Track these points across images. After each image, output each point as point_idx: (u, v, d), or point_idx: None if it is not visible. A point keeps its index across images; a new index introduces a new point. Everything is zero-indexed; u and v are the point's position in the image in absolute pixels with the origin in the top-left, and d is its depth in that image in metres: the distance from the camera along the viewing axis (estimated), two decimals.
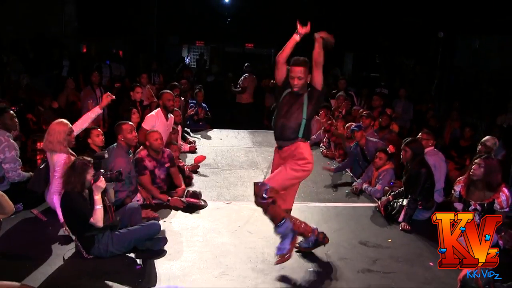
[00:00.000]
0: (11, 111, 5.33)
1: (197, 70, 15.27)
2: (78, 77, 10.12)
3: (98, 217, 3.97)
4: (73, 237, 4.16)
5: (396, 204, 5.35)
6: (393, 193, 5.57)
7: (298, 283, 3.85)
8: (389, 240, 4.76)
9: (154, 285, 3.71)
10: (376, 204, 5.65)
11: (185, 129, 8.76)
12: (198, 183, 6.31)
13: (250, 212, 5.28)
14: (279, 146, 4.17)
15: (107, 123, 8.13)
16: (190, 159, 7.16)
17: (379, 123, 7.66)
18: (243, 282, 3.81)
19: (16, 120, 5.38)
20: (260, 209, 5.34)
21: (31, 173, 5.32)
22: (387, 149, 6.25)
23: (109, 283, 3.73)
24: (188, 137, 8.61)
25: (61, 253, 4.14)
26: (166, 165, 5.70)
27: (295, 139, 4.04)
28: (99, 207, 3.99)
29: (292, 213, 5.31)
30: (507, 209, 4.60)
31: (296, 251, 4.29)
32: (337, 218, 5.35)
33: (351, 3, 15.63)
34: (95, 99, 7.99)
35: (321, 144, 8.51)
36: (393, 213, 5.31)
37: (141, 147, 6.12)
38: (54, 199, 4.47)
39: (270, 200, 3.94)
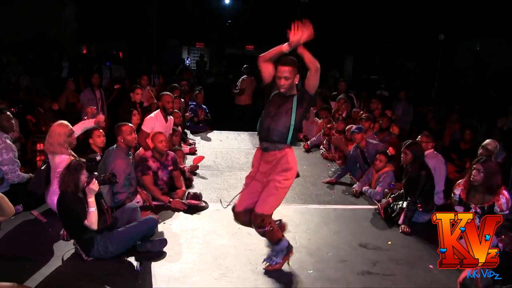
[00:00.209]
0: (8, 113, 5.30)
1: (197, 72, 15.28)
2: (78, 78, 10.12)
3: (92, 220, 3.96)
4: (74, 245, 4.16)
5: (396, 206, 5.35)
6: (393, 195, 5.57)
7: (298, 285, 3.84)
8: (389, 243, 4.75)
9: (154, 287, 3.71)
10: (376, 206, 5.65)
11: (185, 130, 8.76)
12: (198, 185, 6.31)
13: None
14: (264, 148, 3.92)
15: (107, 124, 8.12)
16: (189, 161, 7.16)
17: (379, 125, 7.66)
18: (242, 284, 3.81)
19: (13, 121, 5.36)
20: None
21: (30, 174, 5.32)
22: (387, 151, 6.25)
23: (109, 284, 3.73)
24: (188, 138, 8.61)
25: (61, 255, 4.13)
26: (169, 168, 5.71)
27: (283, 144, 3.84)
28: (92, 209, 3.98)
29: (293, 216, 5.34)
30: (507, 212, 4.60)
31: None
32: (337, 220, 5.34)
33: (351, 5, 15.64)
34: (94, 101, 8.00)
35: (321, 146, 8.51)
36: (393, 215, 5.31)
37: (141, 148, 6.13)
38: (55, 200, 4.46)
39: (269, 227, 3.84)
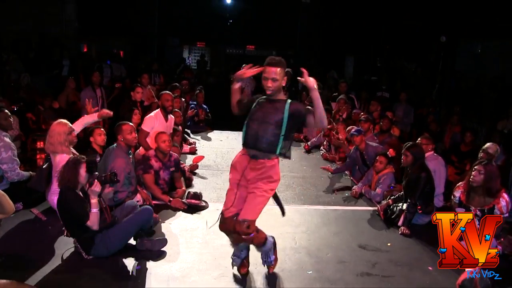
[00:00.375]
0: (6, 111, 5.28)
1: (198, 71, 15.28)
2: (79, 77, 10.12)
3: (94, 220, 3.96)
4: (74, 244, 4.16)
5: (396, 208, 5.35)
6: (393, 197, 5.57)
7: (297, 286, 3.84)
8: (389, 244, 4.75)
9: (153, 286, 3.71)
10: (376, 208, 5.64)
11: (186, 130, 8.76)
12: (198, 185, 6.30)
13: None
14: (252, 155, 3.66)
15: (107, 123, 8.12)
16: (189, 160, 7.16)
17: (379, 126, 7.66)
18: (242, 284, 3.81)
19: (12, 119, 5.32)
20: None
21: (30, 172, 5.32)
22: (388, 153, 6.25)
23: (109, 283, 3.73)
24: (188, 138, 8.60)
25: (61, 253, 4.12)
26: (171, 169, 5.71)
27: (273, 154, 3.64)
28: (95, 210, 3.98)
29: (292, 216, 5.34)
30: (507, 215, 4.60)
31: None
32: (336, 221, 5.34)
33: (352, 6, 15.65)
34: (95, 99, 7.99)
35: (321, 147, 8.50)
36: (392, 217, 5.30)
37: (141, 147, 6.13)
38: (54, 200, 4.46)
39: (254, 234, 3.64)
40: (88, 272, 3.84)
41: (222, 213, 3.74)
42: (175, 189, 5.72)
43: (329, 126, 8.26)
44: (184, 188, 5.78)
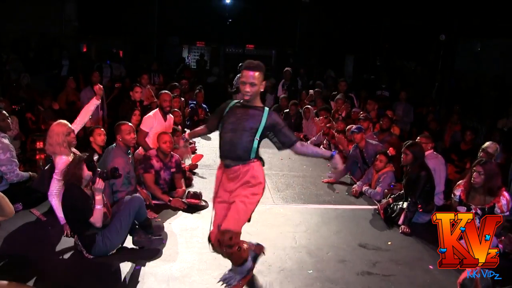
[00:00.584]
0: (4, 112, 5.25)
1: (198, 71, 15.28)
2: (78, 77, 10.11)
3: (97, 217, 3.98)
4: (74, 237, 4.16)
5: (396, 207, 5.34)
6: (393, 195, 5.57)
7: (297, 285, 3.83)
8: (389, 243, 4.75)
9: (153, 286, 3.70)
10: (376, 207, 5.64)
11: (185, 129, 8.75)
12: (197, 184, 6.30)
13: None
14: (226, 165, 3.53)
15: (107, 123, 8.11)
16: (188, 159, 7.14)
17: (380, 125, 7.65)
18: None
19: (10, 120, 5.29)
20: (260, 210, 5.38)
21: (30, 172, 5.31)
22: (388, 151, 6.24)
23: (109, 283, 3.73)
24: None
25: (61, 253, 4.13)
26: (172, 170, 5.70)
27: (247, 160, 3.48)
28: (99, 207, 4.00)
29: (292, 216, 5.34)
30: (508, 213, 4.60)
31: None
32: (336, 220, 5.34)
33: (352, 5, 15.64)
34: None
35: (321, 146, 8.49)
36: (393, 215, 5.30)
37: (140, 147, 6.12)
38: (52, 201, 4.44)
39: (237, 248, 3.45)
40: (88, 272, 3.85)
41: (209, 236, 3.58)
42: (175, 189, 5.72)
43: (328, 125, 8.25)
44: (184, 188, 5.78)
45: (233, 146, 3.46)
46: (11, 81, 9.48)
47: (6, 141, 5.06)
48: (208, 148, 8.25)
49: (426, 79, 12.49)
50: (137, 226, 4.33)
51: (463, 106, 9.72)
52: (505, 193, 4.61)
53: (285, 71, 11.09)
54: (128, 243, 4.36)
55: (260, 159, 3.57)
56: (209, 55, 19.17)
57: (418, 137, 6.05)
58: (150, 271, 3.91)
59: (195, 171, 6.79)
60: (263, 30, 17.27)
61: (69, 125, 4.77)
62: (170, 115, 6.61)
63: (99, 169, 4.13)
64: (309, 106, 9.49)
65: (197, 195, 5.53)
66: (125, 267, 3.97)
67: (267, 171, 6.95)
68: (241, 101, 3.55)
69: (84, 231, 4.02)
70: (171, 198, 5.41)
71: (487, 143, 5.76)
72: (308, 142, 8.65)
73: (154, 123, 6.21)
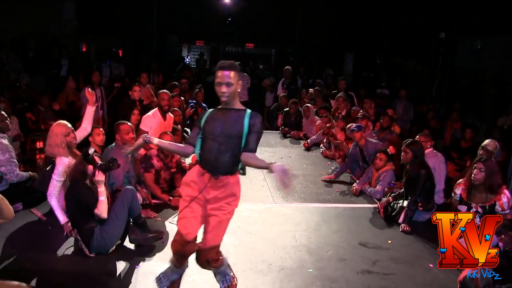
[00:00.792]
0: (3, 112, 5.25)
1: (197, 70, 15.26)
2: (78, 76, 10.10)
3: (102, 209, 4.06)
4: (75, 236, 4.18)
5: (396, 205, 5.34)
6: (393, 194, 5.56)
7: (298, 284, 3.83)
8: (389, 241, 4.75)
9: (153, 285, 3.70)
10: (376, 205, 5.64)
11: (185, 129, 8.75)
12: None
13: (250, 213, 5.28)
14: (213, 173, 3.22)
15: (107, 123, 8.12)
16: (188, 158, 7.14)
17: (380, 123, 7.64)
18: (242, 283, 3.78)
19: (8, 121, 5.28)
20: (260, 209, 5.40)
21: (30, 172, 5.31)
22: (388, 150, 6.24)
23: (109, 283, 3.73)
24: (188, 137, 8.58)
25: (61, 253, 4.13)
26: (172, 170, 5.70)
27: (235, 171, 3.30)
28: (102, 198, 4.07)
29: (293, 214, 5.34)
30: (508, 211, 4.59)
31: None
32: (337, 219, 5.33)
33: (352, 3, 15.63)
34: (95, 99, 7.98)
35: (321, 145, 8.50)
36: (393, 214, 5.30)
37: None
38: (52, 202, 4.44)
39: (222, 259, 3.41)
40: (88, 272, 3.85)
41: (181, 235, 3.26)
42: (175, 188, 5.71)
43: (328, 125, 8.25)
44: None
45: (220, 156, 3.19)
46: (11, 81, 9.48)
47: (5, 141, 5.05)
48: None
49: (426, 77, 12.48)
50: (132, 223, 4.37)
51: (463, 104, 9.72)
52: (506, 191, 4.61)
53: (285, 69, 11.08)
54: (127, 243, 4.37)
55: (242, 169, 3.38)
56: (208, 54, 19.18)
57: (418, 136, 6.05)
58: (150, 270, 3.91)
59: None
60: (263, 29, 17.26)
61: (69, 125, 4.75)
62: (170, 114, 6.60)
63: (98, 162, 4.16)
64: (309, 104, 9.48)
65: None
66: (125, 266, 3.98)
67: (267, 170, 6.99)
68: (219, 106, 3.32)
69: (83, 225, 4.08)
70: (171, 198, 5.41)
71: (486, 141, 5.76)
72: (308, 140, 8.67)
73: (153, 122, 6.21)
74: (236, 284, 3.54)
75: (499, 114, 9.04)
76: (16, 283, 3.12)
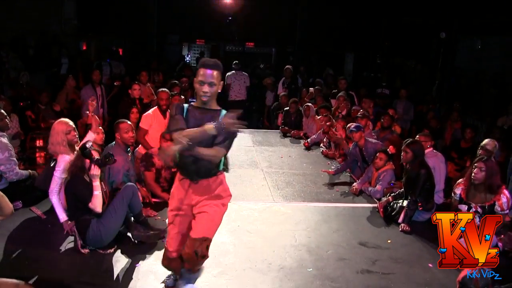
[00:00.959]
0: (2, 111, 5.25)
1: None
2: (78, 75, 10.10)
3: (96, 203, 4.08)
4: (73, 234, 4.20)
5: (396, 205, 5.34)
6: (393, 194, 5.56)
7: (297, 283, 3.83)
8: (389, 241, 4.75)
9: (154, 284, 3.70)
10: (376, 205, 5.64)
11: None
12: None
13: (250, 212, 5.29)
14: (193, 178, 3.16)
15: (107, 121, 8.11)
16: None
17: (380, 123, 7.64)
18: (242, 282, 3.80)
19: (8, 120, 5.28)
20: (259, 208, 5.40)
21: (29, 171, 5.31)
22: (388, 149, 6.24)
23: (109, 281, 3.73)
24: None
25: (61, 252, 4.14)
26: (173, 170, 5.69)
27: (217, 173, 3.22)
28: (96, 193, 4.09)
29: (292, 214, 5.34)
30: (508, 211, 4.60)
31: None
32: (336, 218, 5.33)
33: (352, 2, 15.62)
34: (95, 98, 7.98)
35: (321, 144, 8.50)
36: (393, 214, 5.30)
37: (140, 145, 6.12)
38: (53, 199, 4.46)
39: (203, 265, 3.29)
40: (88, 270, 3.85)
41: (167, 251, 3.30)
42: None
43: (328, 123, 8.25)
44: None
45: (199, 160, 3.05)
46: (11, 79, 9.48)
47: (4, 140, 5.04)
48: None
49: (426, 77, 12.50)
50: (133, 220, 4.40)
51: (463, 104, 9.73)
52: (505, 191, 4.61)
53: (285, 69, 11.07)
54: (128, 241, 4.37)
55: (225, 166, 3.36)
56: (209, 53, 19.16)
57: (418, 135, 6.05)
58: (150, 269, 3.91)
59: None
60: (263, 28, 17.24)
61: (70, 123, 4.78)
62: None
63: (95, 157, 4.17)
64: (309, 104, 9.48)
65: None
66: (125, 265, 3.98)
67: (267, 169, 7.02)
68: (196, 105, 3.17)
69: (79, 216, 4.13)
70: None
71: (485, 141, 5.77)
72: (309, 140, 8.67)
73: (153, 121, 6.21)
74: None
75: (499, 114, 9.05)
76: (14, 281, 3.12)
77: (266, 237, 4.63)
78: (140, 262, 4.02)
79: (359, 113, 7.76)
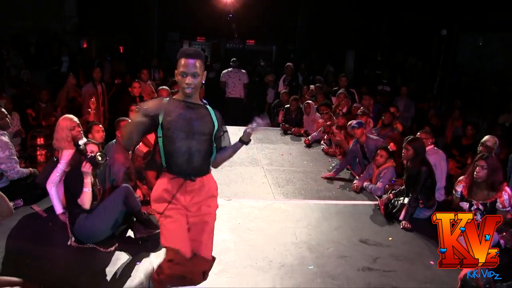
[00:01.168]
0: (3, 110, 5.25)
1: None
2: (78, 73, 10.10)
3: (84, 199, 4.10)
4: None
5: (397, 202, 5.33)
6: (394, 191, 5.56)
7: (298, 281, 3.83)
8: (390, 239, 4.74)
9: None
10: (377, 202, 5.63)
11: None
12: None
13: (250, 209, 5.29)
14: (187, 176, 2.95)
15: (107, 119, 8.11)
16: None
17: (382, 120, 7.64)
18: (242, 280, 3.80)
19: (9, 119, 5.27)
20: (260, 206, 5.40)
21: (30, 169, 5.31)
22: (388, 147, 6.23)
23: (109, 279, 3.73)
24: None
25: (62, 249, 4.13)
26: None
27: (208, 170, 3.06)
28: (86, 190, 4.11)
29: (293, 211, 5.34)
30: (509, 208, 4.59)
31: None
32: (337, 216, 5.33)
33: (353, 0, 15.59)
34: (96, 95, 7.99)
35: (322, 142, 8.49)
36: (393, 211, 5.29)
37: (141, 143, 6.10)
38: (51, 190, 4.54)
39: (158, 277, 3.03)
40: (88, 268, 3.85)
41: (178, 253, 2.86)
42: None
43: (328, 123, 8.24)
44: None
45: (192, 157, 2.90)
46: (11, 77, 9.48)
47: (5, 139, 5.04)
48: None
49: (427, 74, 12.46)
50: (133, 219, 4.40)
51: (464, 101, 9.71)
52: (507, 188, 4.60)
53: (286, 66, 11.06)
54: (129, 239, 4.38)
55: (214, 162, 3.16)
56: (209, 51, 19.15)
57: (419, 133, 6.04)
58: (151, 266, 3.91)
59: None
60: (264, 26, 17.22)
61: (75, 119, 4.83)
62: None
63: (89, 154, 4.19)
64: (310, 101, 9.47)
65: None
66: (126, 262, 3.98)
67: (268, 167, 7.01)
68: (178, 98, 2.98)
69: (73, 209, 4.18)
70: None
71: (486, 137, 5.76)
72: (309, 137, 8.66)
73: None
74: None
75: (500, 112, 9.03)
76: (15, 279, 3.13)
77: (267, 235, 4.63)
78: (141, 261, 4.02)
79: (359, 111, 7.75)
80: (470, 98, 10.64)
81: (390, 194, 5.52)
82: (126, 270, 3.87)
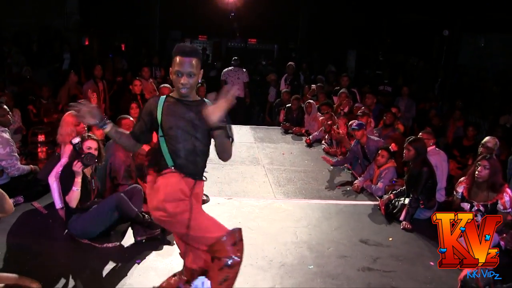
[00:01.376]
0: (5, 107, 5.26)
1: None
2: (80, 70, 10.10)
3: (71, 198, 4.13)
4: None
5: (398, 202, 5.33)
6: (394, 191, 5.55)
7: (298, 281, 3.83)
8: (390, 239, 4.74)
9: (154, 280, 3.70)
10: (378, 203, 5.63)
11: None
12: None
13: (251, 209, 5.29)
14: (195, 176, 2.90)
15: (108, 117, 8.10)
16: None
17: (383, 121, 7.63)
18: (242, 278, 3.77)
19: (10, 116, 5.29)
20: (261, 205, 5.40)
21: (31, 166, 5.31)
22: (390, 147, 6.23)
23: (110, 277, 3.73)
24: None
25: (62, 247, 4.15)
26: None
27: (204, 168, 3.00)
28: (74, 189, 4.13)
29: (294, 211, 5.34)
30: (510, 210, 4.59)
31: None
32: (337, 215, 5.33)
33: None
34: (98, 93, 7.99)
35: (323, 141, 8.48)
36: (394, 211, 5.29)
37: None
38: (53, 184, 4.61)
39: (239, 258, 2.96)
40: (88, 266, 3.85)
41: (237, 232, 3.05)
42: None
43: (329, 122, 8.23)
44: None
45: (197, 157, 2.85)
46: (13, 74, 9.48)
47: (6, 135, 5.05)
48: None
49: (429, 74, 12.45)
50: (132, 222, 4.38)
51: (465, 102, 9.70)
52: (508, 190, 4.60)
53: (288, 65, 11.05)
54: (129, 237, 4.37)
55: None
56: (211, 49, 19.14)
57: (420, 133, 6.04)
58: (151, 265, 3.92)
59: None
60: (266, 25, 17.20)
61: None
62: None
63: (83, 154, 4.20)
64: (311, 100, 9.46)
65: None
66: (126, 261, 3.97)
67: (268, 166, 7.02)
68: (175, 97, 2.87)
69: (68, 206, 4.22)
70: None
71: (486, 138, 5.76)
72: (310, 137, 8.65)
73: None
74: None
75: (501, 113, 9.03)
76: (15, 275, 3.13)
77: (267, 234, 4.63)
78: (141, 259, 4.02)
79: (359, 111, 7.74)
80: (471, 98, 10.63)
81: (391, 195, 5.51)
82: (126, 268, 3.87)
